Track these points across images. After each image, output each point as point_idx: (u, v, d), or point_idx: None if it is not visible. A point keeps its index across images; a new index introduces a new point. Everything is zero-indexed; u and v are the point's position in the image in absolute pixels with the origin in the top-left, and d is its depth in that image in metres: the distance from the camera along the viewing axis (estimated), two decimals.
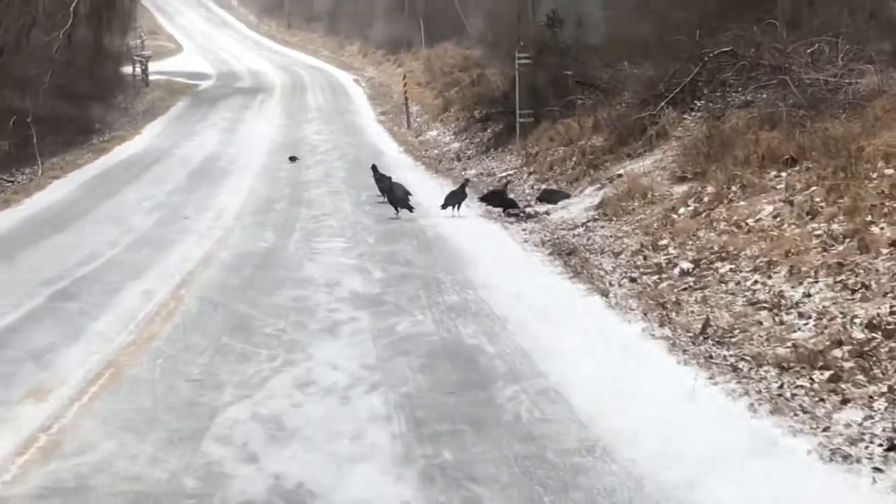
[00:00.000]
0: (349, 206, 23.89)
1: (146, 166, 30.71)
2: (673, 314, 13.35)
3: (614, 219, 20.26)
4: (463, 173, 28.66)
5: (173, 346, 11.96)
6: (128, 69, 52.21)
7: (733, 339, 11.94)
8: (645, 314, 13.37)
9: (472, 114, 33.12)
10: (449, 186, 26.71)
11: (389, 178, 24.30)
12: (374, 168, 25.46)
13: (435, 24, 54.70)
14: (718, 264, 15.44)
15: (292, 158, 30.56)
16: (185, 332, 12.59)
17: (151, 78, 54.86)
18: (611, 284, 15.55)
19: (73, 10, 39.19)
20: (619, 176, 22.53)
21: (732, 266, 15.11)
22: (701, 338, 12.04)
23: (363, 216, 22.42)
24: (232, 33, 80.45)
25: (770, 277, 14.06)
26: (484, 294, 14.75)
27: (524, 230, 20.87)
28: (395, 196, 22.65)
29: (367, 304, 14.22)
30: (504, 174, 27.49)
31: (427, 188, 26.13)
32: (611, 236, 19.16)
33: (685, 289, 14.77)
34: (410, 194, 23.42)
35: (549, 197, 22.97)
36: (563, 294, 14.93)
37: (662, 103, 23.61)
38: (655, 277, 15.73)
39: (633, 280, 15.74)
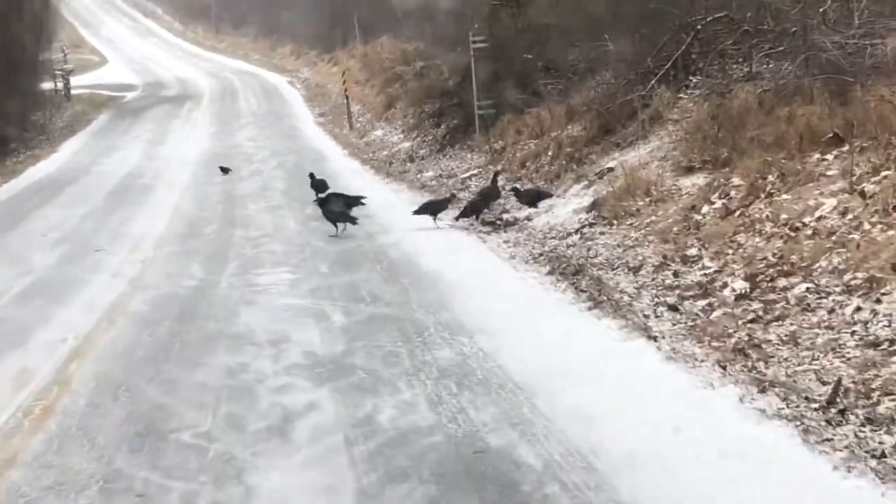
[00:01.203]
0: (293, 223, 19.60)
1: (59, 188, 26.22)
2: (761, 363, 9.19)
3: (615, 223, 16.10)
4: (418, 176, 24.41)
5: (36, 484, 7.59)
6: (48, 84, 47.58)
7: (884, 411, 7.77)
8: (723, 368, 9.18)
9: (423, 109, 28.70)
10: (405, 192, 22.54)
11: (325, 185, 20.67)
12: (311, 177, 21.57)
13: (369, 20, 50.45)
14: (784, 282, 11.33)
15: (224, 170, 26.14)
16: (60, 451, 8.22)
17: (74, 92, 50.22)
18: (645, 316, 11.38)
19: None
20: (611, 170, 18.36)
21: (809, 284, 10.96)
22: (835, 411, 7.85)
23: (311, 236, 18.15)
24: (158, 42, 75.40)
25: (879, 301, 9.92)
26: (485, 344, 10.54)
27: (506, 242, 16.68)
28: (332, 212, 18.56)
29: (329, 373, 9.94)
30: (467, 174, 23.24)
31: (381, 196, 21.90)
32: (618, 245, 15.01)
33: (753, 320, 10.62)
34: (363, 201, 19.20)
35: (529, 198, 18.72)
36: (591, 338, 10.73)
37: (653, 81, 19.46)
38: (703, 303, 11.58)
39: (673, 309, 11.58)
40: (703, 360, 9.44)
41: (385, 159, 27.66)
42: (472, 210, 18.47)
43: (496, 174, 20.09)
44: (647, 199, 16.32)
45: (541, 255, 15.40)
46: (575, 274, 13.68)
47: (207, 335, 11.74)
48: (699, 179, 16.23)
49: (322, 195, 20.18)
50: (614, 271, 13.85)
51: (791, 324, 10.19)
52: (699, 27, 19.62)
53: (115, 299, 14.07)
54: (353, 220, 18.03)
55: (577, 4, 25.45)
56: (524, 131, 23.33)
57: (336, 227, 18.01)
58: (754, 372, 8.99)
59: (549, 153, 21.25)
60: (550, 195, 18.91)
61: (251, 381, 9.79)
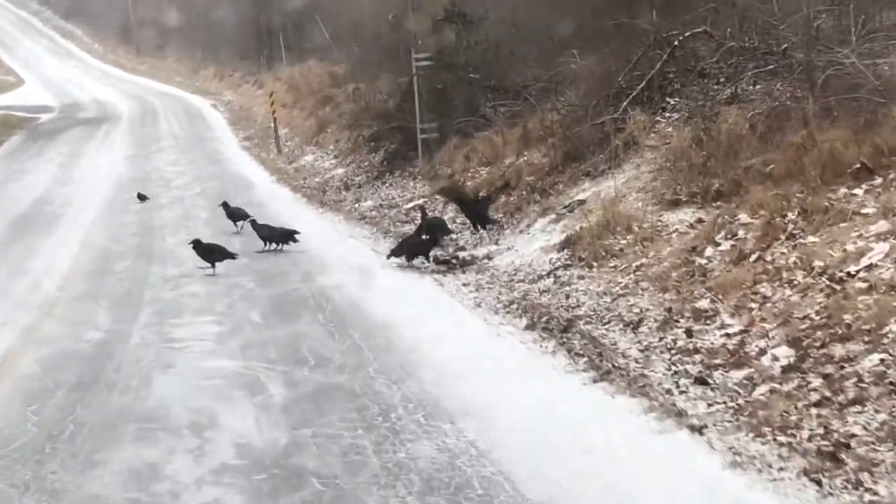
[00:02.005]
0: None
1: None
2: (865, 475, 6.59)
3: (595, 265, 13.50)
4: (356, 206, 21.63)
5: None
6: None
7: None
8: (816, 483, 6.56)
9: (360, 133, 25.81)
10: (342, 223, 19.81)
11: (243, 215, 18.99)
12: (225, 206, 19.39)
13: (295, 42, 47.68)
14: (842, 349, 8.77)
15: (141, 197, 23.18)
16: None
17: None
18: (667, 391, 8.77)
19: None
20: (582, 202, 15.77)
21: (883, 355, 8.39)
22: None
23: (240, 274, 15.36)
24: (77, 64, 71.57)
25: None
26: (474, 434, 7.88)
27: (467, 285, 14.02)
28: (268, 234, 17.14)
29: (272, 482, 7.18)
30: (410, 204, 20.50)
31: (316, 228, 19.14)
32: (603, 293, 12.41)
33: (818, 403, 8.03)
34: (296, 237, 16.64)
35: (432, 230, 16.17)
36: (616, 428, 8.08)
37: (625, 103, 16.90)
38: (739, 376, 9.00)
39: (701, 382, 8.97)
40: (780, 468, 6.81)
41: (318, 186, 24.86)
42: (415, 251, 15.79)
43: (422, 209, 17.61)
44: (630, 237, 13.75)
45: (511, 302, 12.76)
46: (563, 332, 11.04)
47: (110, 415, 8.93)
48: (687, 215, 13.73)
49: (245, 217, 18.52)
50: (606, 326, 11.27)
51: (876, 409, 7.60)
52: (675, 43, 17.12)
53: (0, 358, 11.19)
54: (232, 256, 15.87)
55: (531, 20, 22.95)
56: (474, 157, 20.70)
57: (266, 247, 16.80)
58: (861, 489, 6.38)
59: (506, 182, 18.61)
60: (450, 232, 16.50)
61: (164, 495, 6.97)
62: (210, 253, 15.76)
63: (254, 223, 17.64)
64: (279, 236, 17.29)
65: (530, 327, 11.49)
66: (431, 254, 15.57)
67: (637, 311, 11.45)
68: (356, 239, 18.28)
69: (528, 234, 16.00)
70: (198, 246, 15.82)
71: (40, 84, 61.76)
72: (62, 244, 18.64)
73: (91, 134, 38.96)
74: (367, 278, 14.79)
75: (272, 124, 33.58)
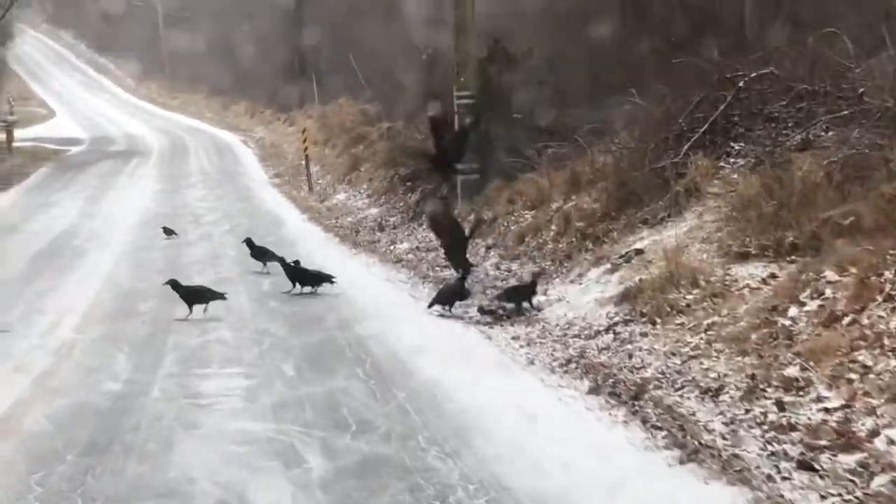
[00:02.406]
0: (247, 302, 15.57)
1: None
2: None
3: (659, 321, 12.21)
4: (391, 248, 20.42)
5: None
6: None
7: None
8: None
9: (396, 171, 24.58)
10: (376, 266, 18.60)
11: (270, 255, 17.78)
12: (249, 244, 18.23)
13: (327, 81, 46.65)
14: None
15: (168, 231, 21.94)
16: None
17: (17, 144, 45.73)
18: (769, 479, 7.49)
19: None
20: (640, 252, 14.48)
21: None
22: None
23: (270, 319, 14.16)
24: (109, 98, 70.78)
25: None
26: None
27: (516, 339, 12.77)
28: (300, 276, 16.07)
29: None
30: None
31: (350, 271, 17.93)
32: (672, 354, 11.13)
33: None
34: (333, 279, 15.68)
35: (516, 297, 14.67)
36: None
37: (685, 147, 15.62)
38: (850, 461, 7.70)
39: (806, 467, 7.71)
40: None
41: (350, 227, 23.65)
42: (454, 296, 14.63)
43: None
44: (698, 292, 12.45)
45: (568, 361, 11.50)
46: (634, 399, 9.75)
47: (125, 487, 7.66)
48: (758, 269, 12.43)
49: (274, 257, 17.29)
50: (680, 393, 9.99)
51: None
52: (740, 84, 15.86)
53: (8, 410, 9.97)
54: (221, 296, 14.68)
55: (578, 58, 21.79)
56: (517, 200, 19.44)
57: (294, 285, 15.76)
58: None
59: (554, 227, 17.36)
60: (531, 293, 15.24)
61: None
62: (193, 295, 14.51)
63: (283, 263, 16.44)
64: (311, 279, 16.09)
65: (594, 391, 10.21)
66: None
67: (714, 376, 10.16)
68: (393, 283, 17.06)
69: (580, 284, 14.72)
70: (177, 287, 14.60)
71: (72, 117, 60.98)
72: (84, 281, 17.46)
73: (120, 168, 37.90)
74: (407, 328, 13.56)
75: (303, 161, 32.46)
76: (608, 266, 14.69)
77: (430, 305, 14.52)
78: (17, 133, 47.98)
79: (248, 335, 13.19)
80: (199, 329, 13.63)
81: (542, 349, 12.20)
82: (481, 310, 14.39)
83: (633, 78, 17.90)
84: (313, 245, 21.16)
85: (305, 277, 16.08)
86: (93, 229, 24.17)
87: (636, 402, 9.64)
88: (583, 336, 12.59)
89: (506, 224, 18.89)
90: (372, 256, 19.67)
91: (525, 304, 14.23)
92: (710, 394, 9.76)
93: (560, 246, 16.61)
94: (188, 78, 69.57)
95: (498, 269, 17.15)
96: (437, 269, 17.94)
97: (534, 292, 14.43)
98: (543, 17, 23.55)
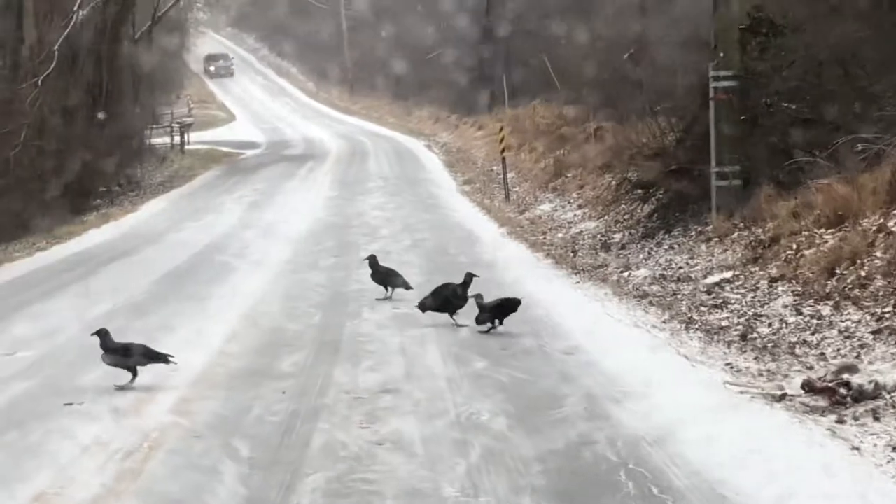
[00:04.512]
0: (438, 355, 10.31)
1: (101, 264, 17.30)
2: None
3: None
4: (625, 275, 14.81)
5: None
6: (164, 139, 40.04)
7: None
8: None
9: (624, 177, 18.70)
10: (612, 301, 13.30)
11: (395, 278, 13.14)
12: (372, 262, 13.33)
13: (517, 83, 41.48)
14: None
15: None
16: None
17: (193, 147, 42.30)
18: None
19: None
20: None
21: None
22: None
23: (477, 393, 8.82)
24: (289, 101, 66.20)
25: None
26: None
27: (892, 447, 7.05)
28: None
29: None
30: (714, 278, 13.49)
31: (578, 308, 12.51)
32: None
33: None
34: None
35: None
36: None
37: None
38: None
39: None
40: None
41: (564, 245, 18.11)
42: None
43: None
44: None
45: None
46: None
47: None
48: None
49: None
50: None
51: None
52: None
53: None
54: (164, 359, 9.33)
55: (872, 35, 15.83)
56: (807, 214, 13.58)
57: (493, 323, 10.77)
58: None
59: (880, 255, 11.52)
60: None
61: None
62: (118, 354, 9.15)
63: (477, 297, 11.20)
64: (496, 311, 10.82)
65: None
66: None
67: None
68: (645, 331, 11.52)
69: None
70: (104, 338, 9.17)
71: (251, 120, 56.99)
72: (214, 317, 12.38)
73: (292, 171, 33.08)
74: (705, 417, 8.00)
75: (496, 167, 27.05)
76: None
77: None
78: (194, 136, 45.02)
79: (445, 430, 7.79)
80: (365, 413, 8.27)
81: None
82: (808, 385, 8.72)
83: None
84: (520, 269, 15.82)
85: (493, 309, 10.96)
86: (247, 241, 19.26)
87: None
88: None
89: (794, 247, 13.07)
90: (602, 287, 14.10)
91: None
92: None
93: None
94: (370, 83, 65.19)
95: (798, 313, 11.37)
96: (700, 308, 12.32)
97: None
98: None
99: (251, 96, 68.31)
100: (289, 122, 55.96)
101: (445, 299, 11.65)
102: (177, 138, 42.06)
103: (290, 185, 29.25)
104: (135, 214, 24.39)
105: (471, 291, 11.41)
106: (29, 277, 16.13)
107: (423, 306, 11.70)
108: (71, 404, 8.59)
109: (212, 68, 75.00)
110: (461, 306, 11.51)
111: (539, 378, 9.31)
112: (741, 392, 8.91)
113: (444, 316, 11.63)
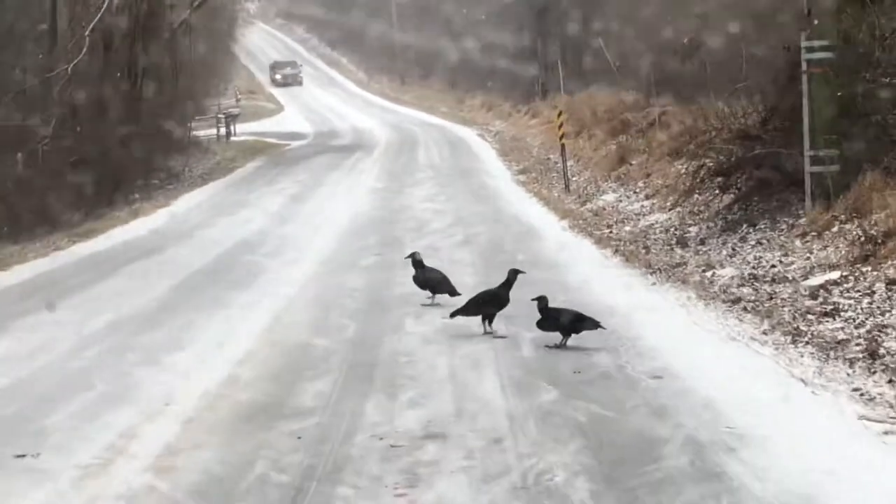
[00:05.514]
0: (496, 382, 8.31)
1: (121, 265, 15.40)
2: None
3: None
4: (709, 275, 12.65)
5: None
6: (210, 131, 38.56)
7: None
8: None
9: (700, 163, 16.41)
10: (697, 307, 11.24)
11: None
12: (416, 262, 11.52)
13: (574, 69, 39.46)
14: None
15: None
16: None
17: (240, 138, 40.58)
18: None
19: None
20: None
21: None
22: None
23: (548, 439, 6.71)
24: (339, 92, 64.19)
25: None
26: None
27: None
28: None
29: None
30: (817, 280, 11.32)
31: (661, 318, 10.45)
32: None
33: None
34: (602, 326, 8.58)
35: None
36: None
37: None
38: None
39: None
40: None
41: (633, 239, 15.97)
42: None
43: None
44: None
45: None
46: None
47: None
48: None
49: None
50: None
51: None
52: None
53: None
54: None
55: None
56: None
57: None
58: None
59: None
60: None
61: None
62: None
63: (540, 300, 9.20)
64: (572, 324, 8.83)
65: None
66: None
67: None
68: (742, 344, 9.51)
69: None
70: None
71: (299, 111, 55.16)
72: (230, 330, 10.40)
73: (338, 162, 31.09)
74: (845, 473, 5.90)
75: (552, 156, 24.91)
76: None
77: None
78: (241, 127, 43.32)
79: (507, 496, 5.68)
80: (403, 467, 6.22)
81: None
82: None
83: None
84: (586, 268, 13.80)
85: (568, 323, 8.96)
86: (283, 238, 17.33)
87: None
88: None
89: None
90: (683, 289, 11.98)
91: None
92: None
93: None
94: (422, 72, 63.25)
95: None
96: (806, 316, 10.19)
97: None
98: None
99: (301, 87, 66.51)
100: (338, 112, 54.07)
101: (476, 303, 9.85)
102: (223, 129, 40.56)
103: (334, 177, 27.27)
104: (167, 209, 22.47)
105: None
106: (35, 281, 14.24)
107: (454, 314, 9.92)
108: (23, 456, 6.62)
109: (278, 76, 68.09)
110: (497, 311, 9.67)
111: (625, 415, 7.25)
112: (885, 433, 6.84)
113: (506, 315, 9.68)
